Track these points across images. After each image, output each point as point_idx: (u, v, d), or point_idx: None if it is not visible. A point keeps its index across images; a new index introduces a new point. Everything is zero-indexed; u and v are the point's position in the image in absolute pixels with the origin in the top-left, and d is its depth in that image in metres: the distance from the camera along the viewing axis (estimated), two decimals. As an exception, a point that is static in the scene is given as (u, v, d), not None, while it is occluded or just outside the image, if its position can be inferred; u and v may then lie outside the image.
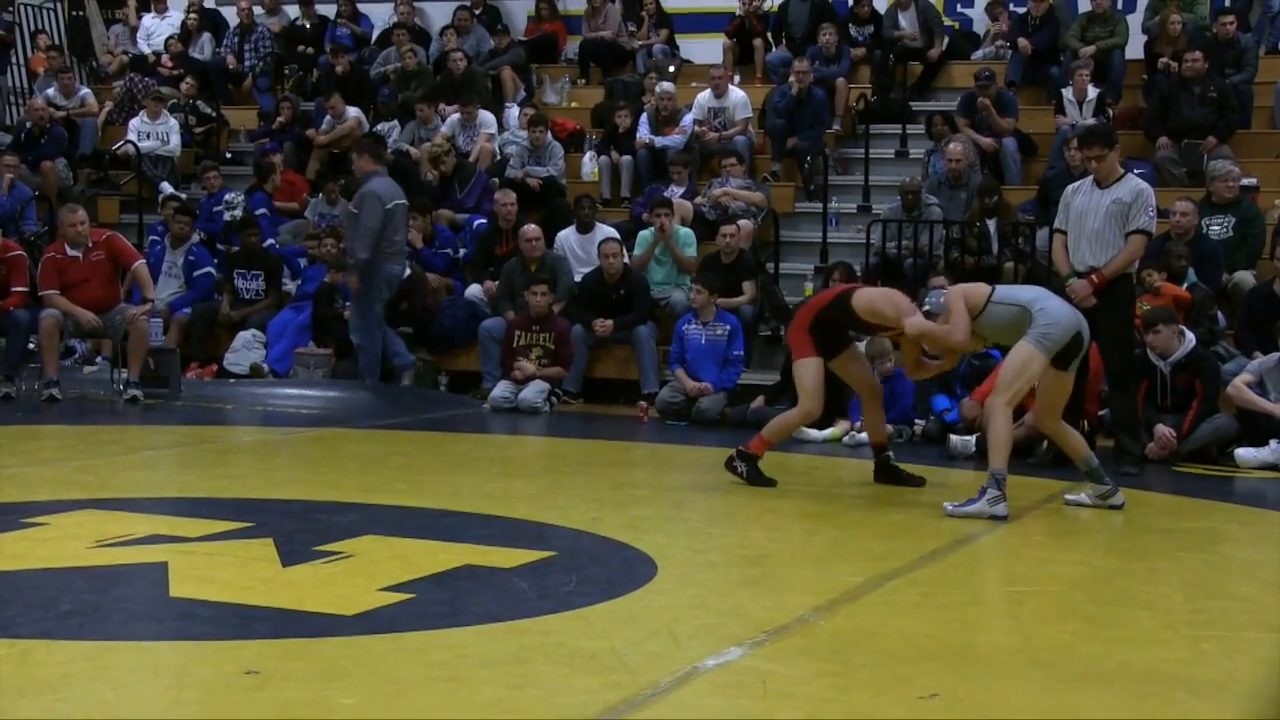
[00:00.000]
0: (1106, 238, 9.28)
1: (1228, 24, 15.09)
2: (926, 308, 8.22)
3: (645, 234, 13.60)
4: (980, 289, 8.10)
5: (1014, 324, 7.82)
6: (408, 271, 13.40)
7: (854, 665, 4.88)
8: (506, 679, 4.58)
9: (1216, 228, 12.39)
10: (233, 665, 4.66)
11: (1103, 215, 9.28)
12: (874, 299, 8.54)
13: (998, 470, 7.61)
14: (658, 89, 15.84)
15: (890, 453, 8.89)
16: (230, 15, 19.33)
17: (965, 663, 4.97)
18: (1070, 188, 9.72)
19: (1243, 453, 9.97)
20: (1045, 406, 8.01)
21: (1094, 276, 9.19)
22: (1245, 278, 12.00)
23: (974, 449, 10.19)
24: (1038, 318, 7.70)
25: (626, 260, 13.27)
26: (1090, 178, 9.54)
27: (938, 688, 4.59)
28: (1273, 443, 10.03)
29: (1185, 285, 11.41)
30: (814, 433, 10.92)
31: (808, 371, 8.62)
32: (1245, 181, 13.02)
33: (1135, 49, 15.76)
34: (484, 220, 14.49)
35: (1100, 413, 10.40)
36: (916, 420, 11.03)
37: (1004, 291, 8.08)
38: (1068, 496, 8.22)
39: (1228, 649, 5.23)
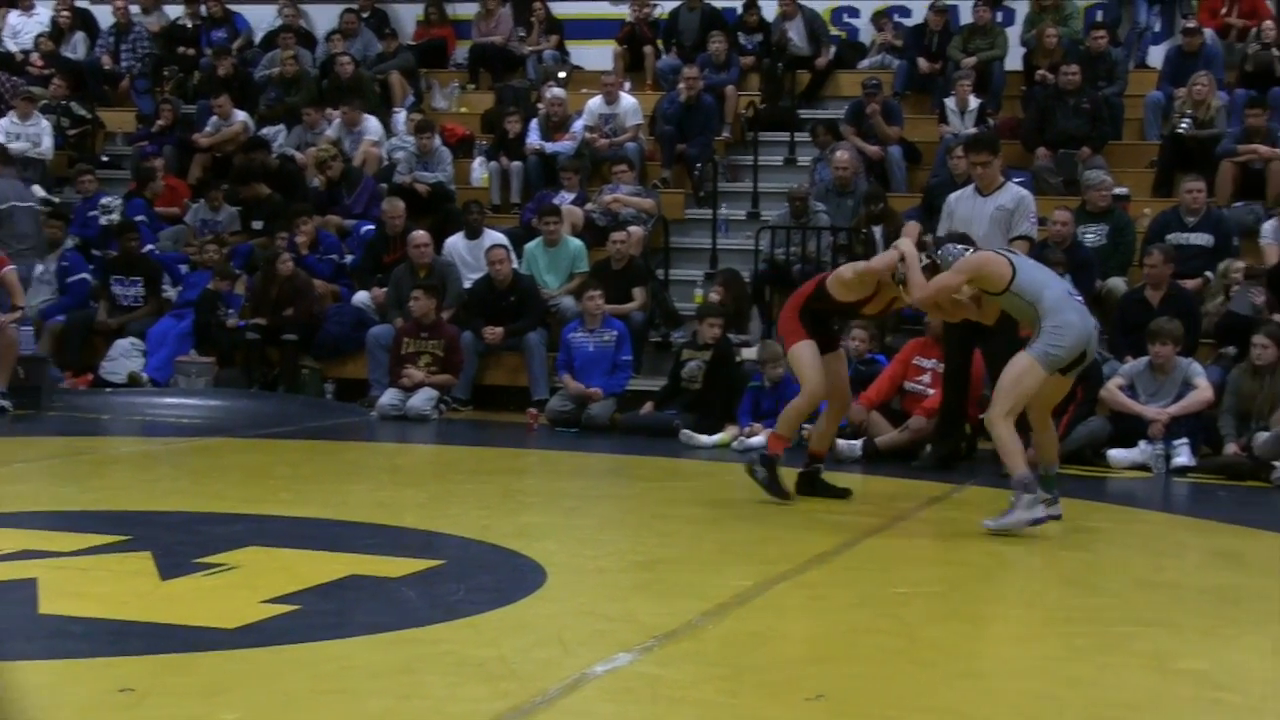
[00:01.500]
0: (992, 244, 9.40)
1: (1100, 38, 15.41)
2: (936, 259, 7.97)
3: (532, 246, 13.60)
4: (1002, 271, 7.64)
5: (1028, 316, 7.60)
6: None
7: (743, 669, 4.92)
8: (394, 689, 4.56)
9: (1091, 235, 12.62)
10: (107, 683, 4.53)
11: (988, 222, 9.43)
12: (839, 270, 8.47)
13: (1022, 477, 7.39)
14: (548, 95, 15.86)
15: (821, 465, 8.74)
16: (103, 15, 18.96)
17: (851, 664, 5.03)
18: (952, 196, 9.88)
19: (1115, 454, 10.22)
20: (1035, 404, 7.82)
21: None
22: (1118, 284, 12.25)
23: (860, 453, 10.32)
24: (1048, 332, 7.42)
25: (516, 266, 13.26)
26: (971, 186, 9.70)
27: (825, 689, 4.64)
28: (1142, 443, 10.29)
29: (1063, 291, 11.60)
30: (703, 438, 11.01)
31: (802, 356, 8.46)
32: (1118, 191, 13.29)
33: (1014, 61, 16.03)
34: (372, 226, 14.41)
35: (981, 416, 10.57)
36: (805, 424, 11.11)
37: (1026, 280, 7.60)
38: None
39: (1101, 644, 5.35)
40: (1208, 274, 12.08)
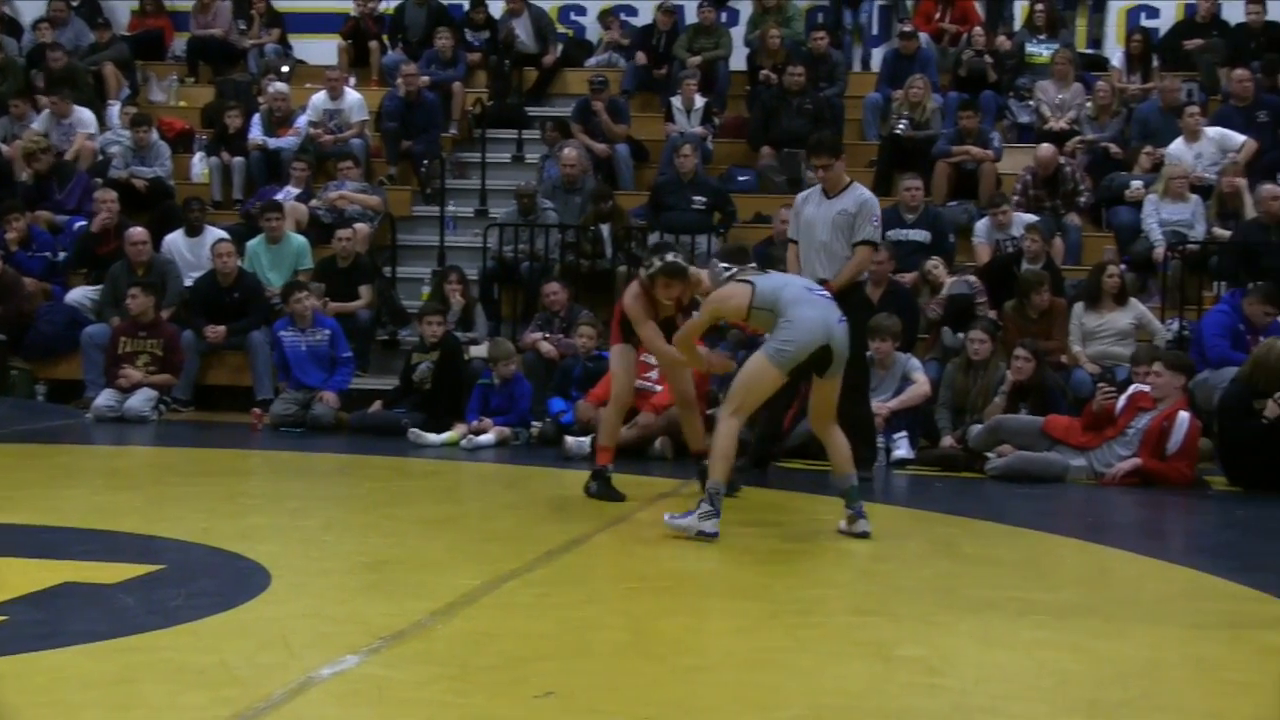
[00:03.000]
0: (834, 249, 9.37)
1: (820, 40, 15.82)
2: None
3: (254, 243, 13.33)
4: (740, 300, 7.44)
5: (770, 323, 7.42)
6: None
7: (471, 668, 4.90)
8: (110, 700, 4.42)
9: (815, 233, 12.93)
10: None
11: (830, 226, 9.37)
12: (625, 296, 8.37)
13: (713, 485, 7.21)
14: (270, 89, 15.57)
15: (701, 458, 8.49)
16: None
17: (581, 660, 5.05)
18: (801, 197, 9.79)
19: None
20: (814, 414, 7.66)
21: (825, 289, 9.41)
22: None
23: (588, 450, 10.36)
24: (779, 330, 7.25)
25: (240, 263, 12.98)
26: (818, 186, 9.63)
27: (554, 686, 4.64)
28: (867, 437, 10.57)
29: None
30: (431, 436, 10.94)
31: (612, 361, 8.52)
32: (840, 189, 13.65)
33: (739, 61, 16.33)
34: (85, 222, 13.93)
35: (709, 411, 10.75)
36: (533, 423, 11.15)
37: (764, 292, 7.41)
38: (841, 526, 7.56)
39: (824, 635, 5.48)
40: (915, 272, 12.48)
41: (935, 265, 12.30)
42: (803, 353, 7.26)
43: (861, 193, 9.55)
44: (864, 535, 7.39)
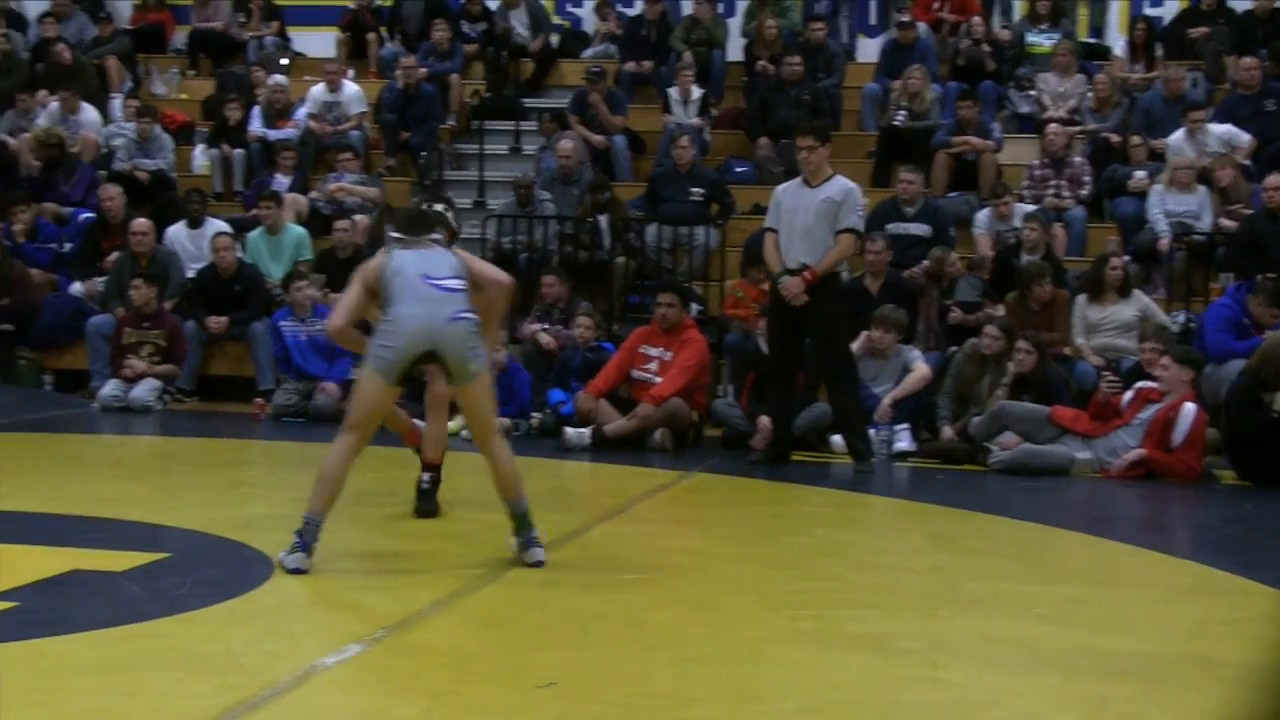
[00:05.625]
0: (817, 236, 9.44)
1: (818, 30, 15.79)
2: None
3: (254, 234, 13.37)
4: (367, 271, 6.46)
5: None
6: None
7: (472, 657, 4.94)
8: (115, 686, 4.45)
9: (813, 225, 12.93)
10: None
11: (813, 214, 9.44)
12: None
13: (310, 515, 6.11)
14: (269, 82, 15.60)
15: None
16: None
17: (580, 650, 5.08)
18: (780, 187, 9.90)
19: (837, 439, 10.40)
20: (470, 428, 6.90)
21: (806, 274, 9.43)
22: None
23: (589, 441, 10.41)
24: (379, 329, 6.29)
25: (240, 254, 13.04)
26: (800, 177, 9.71)
27: (555, 676, 4.66)
28: (864, 429, 10.55)
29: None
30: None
31: None
32: (837, 181, 13.66)
33: (736, 51, 16.32)
34: (91, 214, 14.01)
35: (709, 403, 10.84)
36: (532, 414, 11.18)
37: (388, 272, 6.33)
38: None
39: (823, 627, 5.49)
40: (924, 263, 12.46)
41: (953, 263, 12.21)
42: (402, 359, 6.21)
43: (845, 182, 9.66)
44: (538, 564, 6.28)
